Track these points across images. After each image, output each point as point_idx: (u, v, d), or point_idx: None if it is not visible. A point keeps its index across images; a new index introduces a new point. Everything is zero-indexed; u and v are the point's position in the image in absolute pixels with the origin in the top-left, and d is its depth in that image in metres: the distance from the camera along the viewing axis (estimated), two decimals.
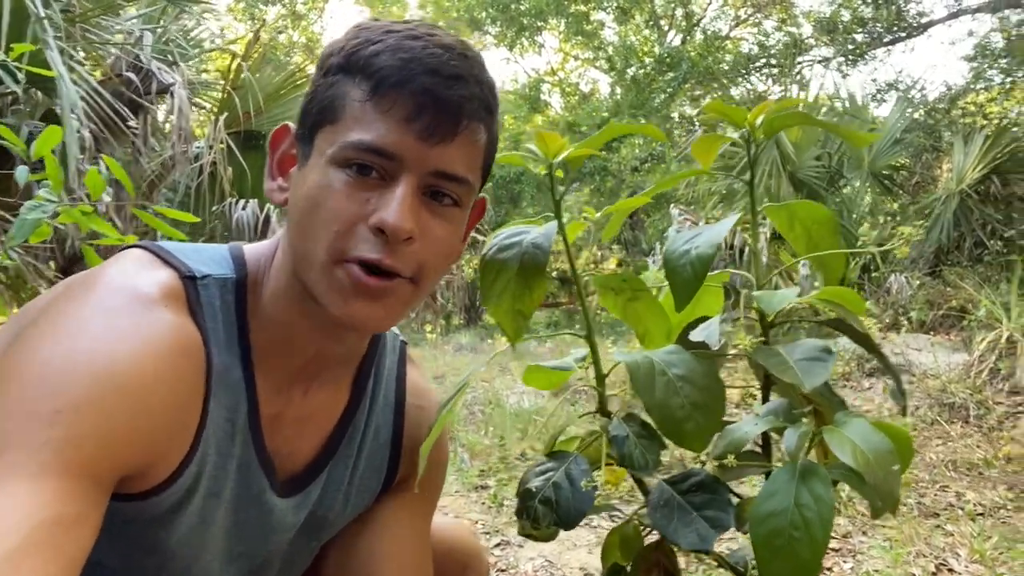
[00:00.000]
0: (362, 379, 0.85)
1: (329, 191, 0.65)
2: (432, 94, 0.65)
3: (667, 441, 0.82)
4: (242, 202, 4.78)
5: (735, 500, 0.81)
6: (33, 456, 0.52)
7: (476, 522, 2.52)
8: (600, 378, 0.88)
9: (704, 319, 0.95)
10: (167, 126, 4.69)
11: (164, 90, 3.65)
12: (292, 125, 0.75)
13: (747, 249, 5.99)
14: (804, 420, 0.78)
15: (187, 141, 3.67)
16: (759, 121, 0.91)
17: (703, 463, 0.81)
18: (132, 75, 3.49)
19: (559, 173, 0.89)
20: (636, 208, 0.98)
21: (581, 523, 2.34)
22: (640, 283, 0.94)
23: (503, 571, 2.12)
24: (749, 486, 2.08)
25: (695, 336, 0.87)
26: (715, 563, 0.83)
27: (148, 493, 0.66)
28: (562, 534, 2.40)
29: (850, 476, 0.74)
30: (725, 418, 0.84)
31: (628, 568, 0.86)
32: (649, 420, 0.80)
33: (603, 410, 0.88)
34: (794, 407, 0.81)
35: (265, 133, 5.04)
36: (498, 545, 2.30)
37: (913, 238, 6.18)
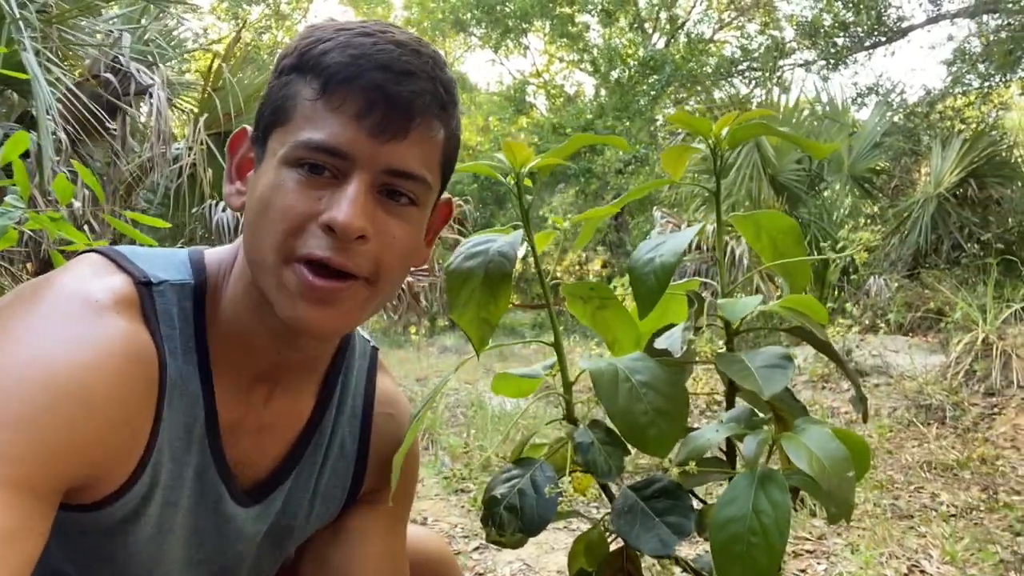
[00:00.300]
0: (328, 386, 0.83)
1: (280, 191, 0.64)
2: (382, 90, 0.63)
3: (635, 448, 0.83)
4: (222, 204, 4.74)
5: (698, 506, 0.82)
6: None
7: (455, 525, 2.53)
8: (567, 385, 0.89)
9: (672, 327, 0.96)
10: (146, 127, 4.66)
11: (143, 91, 3.62)
12: (249, 128, 0.74)
13: (738, 254, 6.03)
14: (765, 427, 0.79)
15: (166, 143, 3.64)
16: (724, 132, 0.92)
17: (666, 470, 0.82)
18: (110, 76, 3.46)
19: (527, 182, 0.90)
20: (606, 216, 0.98)
21: (559, 527, 2.36)
22: (608, 291, 0.95)
23: (481, 574, 2.12)
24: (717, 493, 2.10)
25: (659, 343, 0.88)
26: (681, 568, 0.83)
27: (100, 504, 0.65)
28: (540, 537, 2.41)
29: (808, 482, 0.76)
30: (692, 425, 0.85)
31: (593, 574, 0.87)
32: (611, 426, 0.81)
33: (570, 417, 0.88)
34: (757, 414, 0.83)
35: None
36: (476, 549, 2.31)
37: (871, 243, 6.26)
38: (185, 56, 6.00)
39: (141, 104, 3.97)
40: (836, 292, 6.63)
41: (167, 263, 0.72)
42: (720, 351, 0.85)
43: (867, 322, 5.81)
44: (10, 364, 0.58)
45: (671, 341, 0.87)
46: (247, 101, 4.69)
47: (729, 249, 5.95)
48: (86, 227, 3.17)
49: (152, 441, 0.67)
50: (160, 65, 3.79)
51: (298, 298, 0.65)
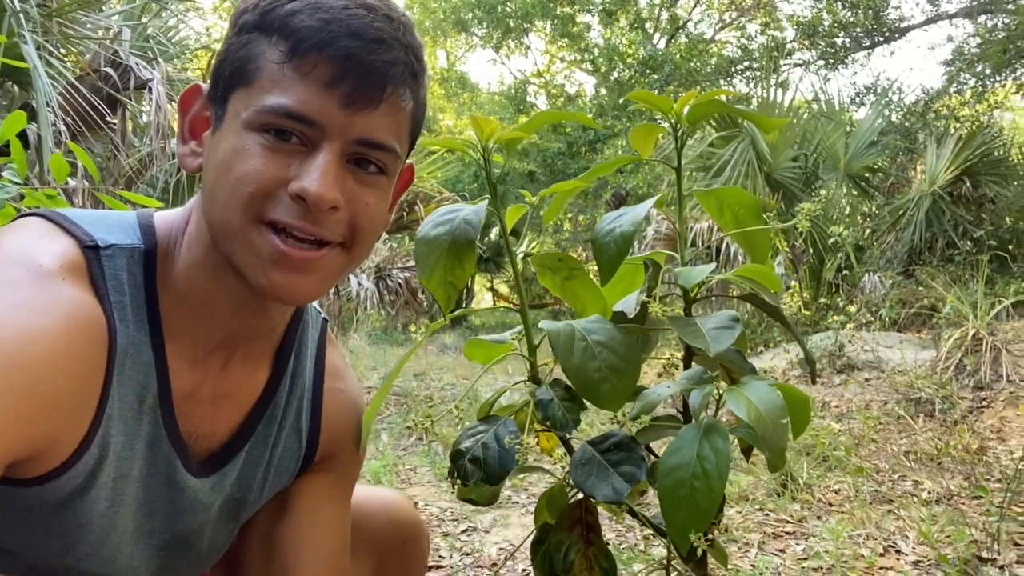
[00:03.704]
0: (283, 356, 0.82)
1: (245, 155, 0.62)
2: (355, 59, 0.61)
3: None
4: None
5: (652, 459, 0.87)
6: None
7: (445, 510, 2.58)
8: (531, 349, 0.94)
9: None
10: (147, 122, 4.72)
11: (142, 86, 3.67)
12: (203, 85, 0.70)
13: (724, 247, 6.08)
14: (713, 383, 0.84)
15: (165, 137, 3.69)
16: (685, 110, 0.97)
17: (623, 425, 0.87)
18: (110, 71, 3.52)
19: (497, 158, 0.95)
20: (575, 190, 1.03)
21: None
22: (576, 262, 1.00)
23: (468, 555, 2.17)
24: None
25: (617, 307, 0.93)
26: (631, 516, 0.88)
27: (45, 477, 0.62)
28: (527, 519, 2.46)
29: (749, 432, 0.80)
30: (648, 385, 0.91)
31: (554, 524, 0.91)
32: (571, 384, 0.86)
33: (534, 378, 0.94)
34: (708, 372, 0.88)
35: None
36: (465, 531, 2.36)
37: (845, 239, 6.30)
38: (187, 55, 6.05)
39: (142, 99, 4.02)
40: (832, 289, 6.68)
41: (114, 226, 0.69)
42: (675, 315, 0.90)
43: (863, 319, 5.86)
44: None
45: (627, 304, 0.92)
46: None
47: (724, 244, 6.00)
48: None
49: (100, 412, 0.64)
50: (160, 60, 3.85)
51: (269, 264, 0.64)
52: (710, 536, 0.80)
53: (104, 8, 4.30)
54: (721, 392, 0.81)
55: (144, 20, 4.48)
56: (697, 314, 0.95)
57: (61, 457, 0.63)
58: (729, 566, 1.93)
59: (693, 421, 0.82)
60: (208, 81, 0.69)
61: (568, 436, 0.89)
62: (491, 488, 0.93)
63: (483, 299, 18.13)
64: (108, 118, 3.51)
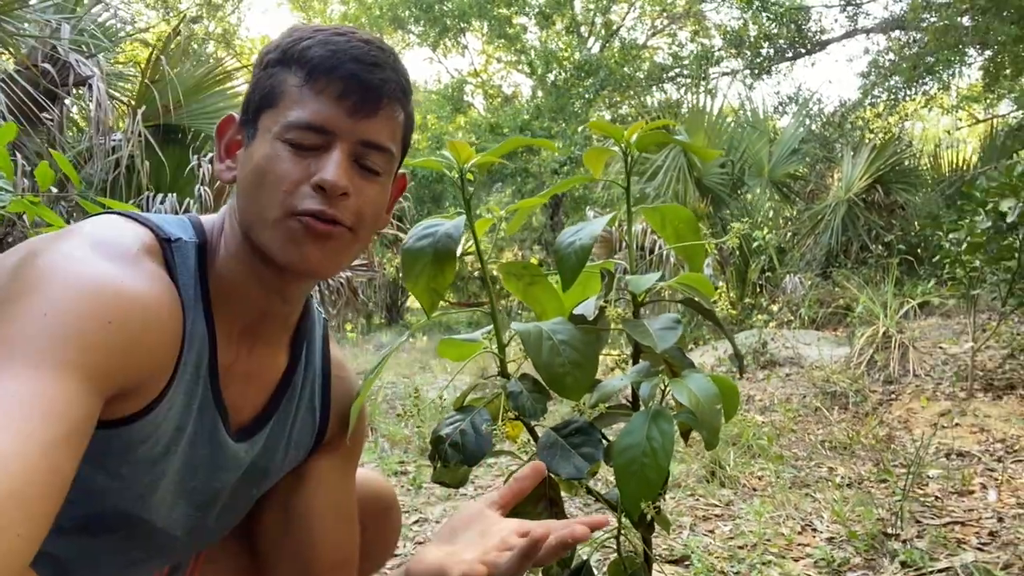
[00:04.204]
0: (297, 345, 0.97)
1: (276, 160, 0.78)
2: (357, 78, 0.78)
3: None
4: (160, 196, 4.74)
5: (607, 443, 1.01)
6: (55, 356, 0.60)
7: None
8: (501, 347, 1.07)
9: None
10: (83, 118, 4.62)
11: (81, 82, 3.62)
12: (236, 115, 0.87)
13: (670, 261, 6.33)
14: (659, 376, 0.98)
15: (105, 134, 3.65)
16: (633, 138, 1.12)
17: (582, 412, 1.01)
18: (48, 66, 3.46)
19: (469, 176, 1.07)
20: (537, 206, 1.16)
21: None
22: (538, 270, 1.13)
23: (421, 543, 2.28)
24: None
25: (577, 311, 1.06)
26: (587, 492, 1.02)
27: (130, 418, 0.74)
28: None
29: (690, 417, 0.95)
30: (603, 378, 1.04)
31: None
32: (539, 378, 0.99)
33: (504, 372, 1.06)
34: (654, 366, 1.02)
35: (185, 127, 5.01)
36: (416, 522, 2.46)
37: (769, 242, 6.66)
38: (118, 47, 5.92)
39: (79, 96, 3.95)
40: (756, 289, 7.04)
41: (176, 225, 0.83)
42: (627, 318, 1.04)
43: (784, 318, 6.21)
44: (74, 281, 0.66)
45: (586, 308, 1.06)
46: (186, 94, 4.71)
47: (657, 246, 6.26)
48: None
49: (176, 369, 0.78)
50: (99, 56, 3.79)
51: (301, 239, 0.78)
52: (657, 504, 0.94)
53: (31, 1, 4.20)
54: (666, 383, 0.95)
55: (79, 12, 4.39)
56: (644, 316, 1.09)
57: (146, 400, 0.75)
58: (664, 547, 2.10)
59: (643, 408, 0.96)
60: (240, 110, 0.85)
61: (534, 424, 1.02)
62: (462, 472, 1.05)
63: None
64: (44, 115, 3.45)
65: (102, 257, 0.71)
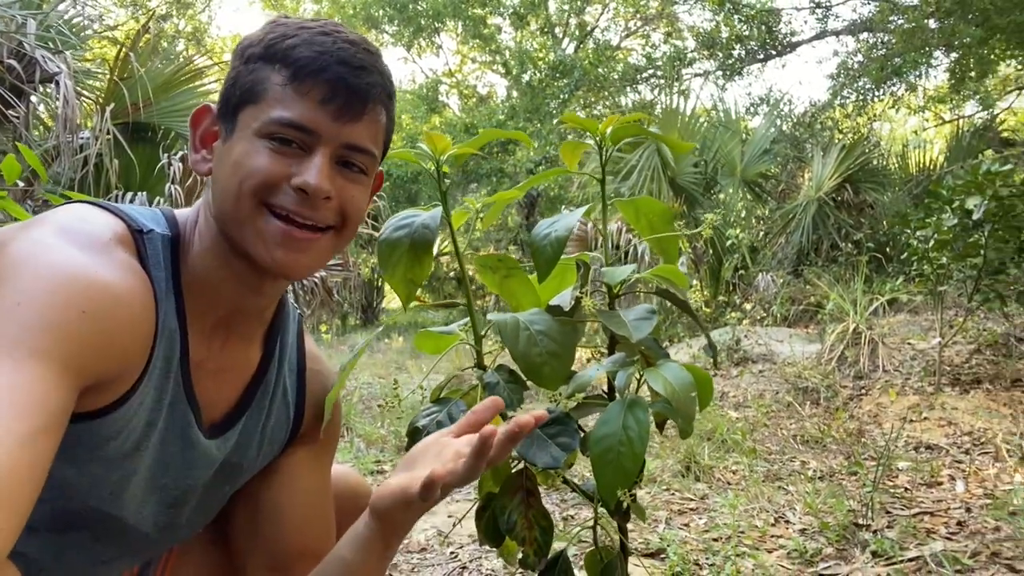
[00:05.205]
0: (271, 340, 0.95)
1: (255, 156, 0.77)
2: (344, 81, 0.77)
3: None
4: (129, 195, 4.67)
5: (583, 433, 1.01)
6: (30, 345, 0.59)
7: None
8: (478, 339, 1.07)
9: None
10: (47, 116, 4.53)
11: (48, 79, 3.55)
12: (212, 105, 0.84)
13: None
14: (635, 366, 0.99)
15: (73, 131, 3.59)
16: (608, 131, 1.12)
17: (559, 403, 1.01)
18: (14, 62, 3.39)
19: (445, 168, 1.07)
20: (512, 199, 1.17)
21: (471, 498, 2.56)
22: (514, 262, 1.13)
23: None
24: None
25: (554, 302, 1.07)
26: (569, 488, 1.02)
27: (103, 411, 0.73)
28: (453, 508, 2.57)
29: (666, 406, 0.96)
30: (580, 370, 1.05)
31: (498, 492, 1.04)
32: (516, 369, 1.00)
33: (480, 364, 1.06)
34: (629, 357, 1.03)
35: (155, 125, 4.95)
36: None
37: (742, 241, 6.75)
38: (85, 44, 5.82)
39: (46, 93, 3.87)
40: (730, 288, 7.11)
41: (149, 217, 0.82)
42: (603, 309, 1.05)
43: (757, 315, 6.28)
44: (45, 270, 0.65)
45: (563, 299, 1.07)
46: (155, 92, 4.64)
47: (632, 246, 6.29)
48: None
49: (149, 363, 0.76)
50: (65, 52, 3.72)
51: (275, 245, 0.78)
52: (633, 492, 0.94)
53: None
54: (641, 373, 0.96)
55: (46, 10, 4.31)
56: (618, 308, 1.10)
57: (119, 393, 0.74)
58: (640, 540, 2.12)
59: (618, 397, 0.97)
60: (217, 102, 0.83)
61: (511, 414, 1.02)
62: None
63: (393, 299, 18.04)
64: (12, 111, 3.38)
65: (74, 245, 0.70)
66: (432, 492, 0.72)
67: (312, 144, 0.78)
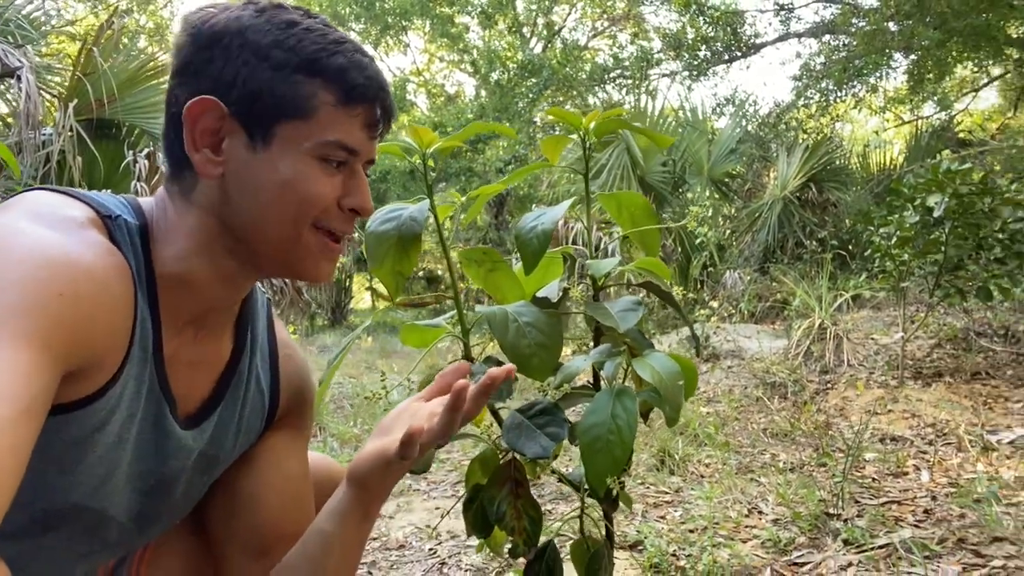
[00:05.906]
0: (242, 330, 0.93)
1: (313, 180, 0.78)
2: (387, 108, 0.82)
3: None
4: (93, 192, 4.57)
5: (572, 422, 1.02)
6: (11, 328, 0.58)
7: None
8: (465, 331, 1.08)
9: None
10: (6, 112, 4.42)
11: (9, 74, 3.47)
12: (211, 98, 0.75)
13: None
14: (622, 356, 1.01)
15: (35, 128, 3.50)
16: (592, 125, 1.14)
17: (547, 394, 1.02)
18: None
19: (430, 162, 1.08)
20: (495, 193, 1.17)
21: (448, 495, 2.56)
22: (498, 256, 1.14)
23: (375, 539, 2.26)
24: None
25: (541, 293, 1.08)
26: (556, 478, 1.04)
27: (83, 401, 0.70)
28: (431, 503, 2.57)
29: (653, 395, 0.98)
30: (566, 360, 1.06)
31: (486, 483, 1.05)
32: (504, 360, 1.00)
33: (467, 356, 1.07)
34: (615, 347, 1.04)
35: (119, 122, 4.85)
36: None
37: (710, 239, 6.86)
38: (44, 39, 5.68)
39: (7, 89, 3.78)
40: (698, 285, 7.20)
41: (113, 203, 0.78)
42: (589, 300, 1.06)
43: (725, 312, 6.37)
44: (20, 253, 0.63)
45: (549, 291, 1.08)
46: (121, 88, 4.56)
47: (602, 243, 6.34)
48: None
49: (128, 350, 0.74)
50: (27, 47, 3.64)
51: (324, 260, 0.82)
52: (621, 480, 0.96)
53: None
54: (628, 363, 0.97)
55: (3, 4, 4.20)
56: (602, 300, 1.11)
57: (100, 382, 0.72)
58: (617, 533, 2.14)
59: (606, 387, 0.98)
60: (231, 100, 0.76)
61: (500, 406, 1.03)
62: (425, 459, 1.05)
63: (362, 298, 17.93)
64: None
65: (47, 227, 0.67)
66: (411, 448, 0.74)
67: (351, 161, 0.81)
